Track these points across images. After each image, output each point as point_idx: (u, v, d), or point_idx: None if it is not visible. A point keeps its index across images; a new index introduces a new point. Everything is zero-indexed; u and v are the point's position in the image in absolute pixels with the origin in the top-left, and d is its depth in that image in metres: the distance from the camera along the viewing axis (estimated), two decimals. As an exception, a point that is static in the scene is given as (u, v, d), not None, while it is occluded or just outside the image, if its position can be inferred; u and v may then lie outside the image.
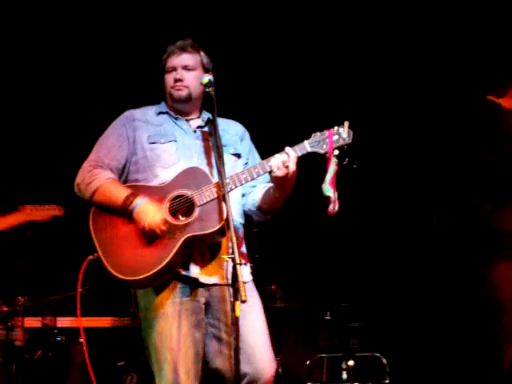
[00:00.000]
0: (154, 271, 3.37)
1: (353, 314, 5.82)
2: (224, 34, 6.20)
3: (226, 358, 3.48)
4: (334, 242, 6.53)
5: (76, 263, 6.34)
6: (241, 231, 3.67)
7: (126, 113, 3.76)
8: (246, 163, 3.79)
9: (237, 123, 3.90)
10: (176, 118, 3.75)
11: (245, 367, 3.38)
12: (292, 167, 3.41)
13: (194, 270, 3.47)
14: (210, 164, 3.60)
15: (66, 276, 6.22)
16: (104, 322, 5.46)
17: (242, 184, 3.49)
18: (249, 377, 3.46)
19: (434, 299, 6.30)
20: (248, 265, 3.67)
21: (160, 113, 3.77)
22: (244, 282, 3.15)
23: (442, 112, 5.73)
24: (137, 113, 3.76)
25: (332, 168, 3.39)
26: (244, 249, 3.68)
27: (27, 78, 6.38)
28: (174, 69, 3.71)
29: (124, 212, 3.47)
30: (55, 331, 5.57)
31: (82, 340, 5.45)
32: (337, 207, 3.38)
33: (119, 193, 3.51)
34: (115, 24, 6.26)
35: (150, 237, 3.42)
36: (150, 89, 4.26)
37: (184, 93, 3.70)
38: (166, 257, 3.38)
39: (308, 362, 5.65)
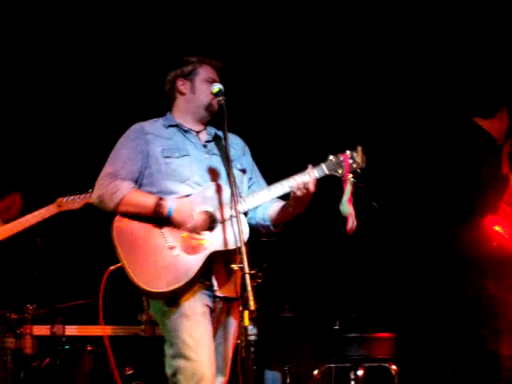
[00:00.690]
0: (180, 285, 3.40)
1: (362, 324, 5.80)
2: (234, 49, 6.22)
3: None
4: (343, 251, 6.52)
5: (84, 272, 6.40)
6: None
7: (136, 126, 3.75)
8: (251, 178, 3.82)
9: (237, 137, 3.91)
10: (186, 131, 3.74)
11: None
12: (312, 188, 3.51)
13: (214, 283, 3.53)
14: (220, 179, 3.63)
15: (75, 285, 6.25)
16: (116, 330, 5.45)
17: (263, 202, 3.58)
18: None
19: (443, 309, 6.29)
20: None
21: (170, 126, 3.76)
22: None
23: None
24: (147, 126, 3.74)
25: (348, 189, 3.53)
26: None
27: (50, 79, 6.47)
28: (215, 81, 3.74)
29: (154, 218, 3.49)
30: (63, 339, 5.58)
31: (90, 348, 5.52)
32: (356, 223, 3.53)
33: (148, 200, 3.52)
34: (122, 25, 6.30)
35: (180, 245, 3.47)
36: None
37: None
38: (192, 271, 3.42)
39: (316, 372, 5.63)
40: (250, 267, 3.17)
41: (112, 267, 4.18)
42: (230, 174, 3.44)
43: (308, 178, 3.51)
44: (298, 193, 3.50)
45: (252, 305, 3.07)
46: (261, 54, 6.42)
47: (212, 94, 3.64)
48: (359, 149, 3.59)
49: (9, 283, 5.70)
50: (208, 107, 3.73)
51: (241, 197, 3.58)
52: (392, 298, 6.38)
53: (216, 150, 3.74)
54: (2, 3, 6.01)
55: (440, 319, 6.11)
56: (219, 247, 3.45)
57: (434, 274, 5.42)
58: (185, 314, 3.45)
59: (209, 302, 3.52)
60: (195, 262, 3.43)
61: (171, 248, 3.47)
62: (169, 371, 3.49)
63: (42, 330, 5.52)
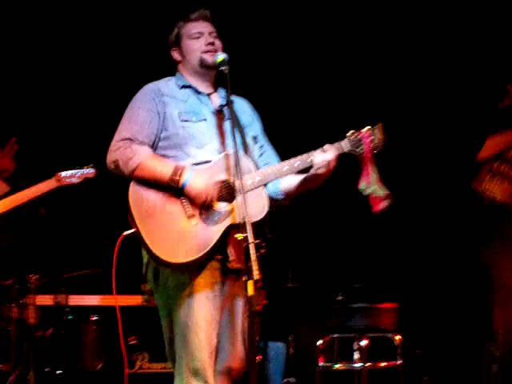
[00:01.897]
0: (197, 257, 3.31)
1: (365, 295, 5.80)
2: (250, 26, 6.16)
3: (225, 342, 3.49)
4: (346, 222, 6.51)
5: (88, 242, 6.40)
6: None
7: (151, 85, 3.61)
8: (261, 146, 3.70)
9: (247, 101, 3.79)
10: (199, 93, 3.62)
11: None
12: (333, 166, 3.42)
13: (229, 255, 3.40)
14: (237, 147, 3.45)
15: (78, 254, 6.26)
16: (124, 300, 5.45)
17: (283, 176, 3.48)
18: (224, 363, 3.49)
19: (446, 280, 6.30)
20: None
21: (183, 86, 3.62)
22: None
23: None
24: (162, 86, 3.60)
25: (373, 169, 3.43)
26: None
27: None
28: (202, 34, 3.59)
29: (171, 187, 3.38)
30: (67, 309, 5.59)
31: (93, 318, 5.52)
32: (388, 203, 3.44)
33: (165, 167, 3.41)
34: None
35: (199, 214, 3.37)
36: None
37: (217, 57, 3.55)
38: (209, 243, 3.32)
39: (320, 343, 5.63)
40: (255, 237, 3.08)
41: (126, 232, 4.13)
42: (245, 145, 3.40)
43: (330, 155, 3.40)
44: (320, 170, 3.40)
45: (256, 274, 2.99)
46: (275, 26, 6.35)
47: (206, 45, 3.55)
48: (380, 125, 3.46)
49: (11, 254, 5.70)
50: (201, 63, 3.58)
51: (257, 168, 3.48)
52: (396, 267, 6.38)
53: (228, 115, 3.57)
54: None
55: (444, 288, 6.16)
56: (238, 219, 3.27)
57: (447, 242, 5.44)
58: (189, 293, 3.38)
59: (218, 277, 3.42)
60: (214, 233, 3.34)
61: (190, 217, 3.37)
62: (166, 341, 3.48)
63: (45, 299, 5.54)
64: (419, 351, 6.22)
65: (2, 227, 5.32)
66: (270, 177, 3.44)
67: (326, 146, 3.44)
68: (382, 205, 3.43)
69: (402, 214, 6.37)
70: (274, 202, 3.63)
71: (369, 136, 3.44)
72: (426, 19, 6.28)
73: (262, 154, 3.68)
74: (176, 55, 3.67)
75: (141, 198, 3.42)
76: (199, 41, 3.58)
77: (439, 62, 6.37)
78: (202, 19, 3.64)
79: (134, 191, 3.43)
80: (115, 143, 3.50)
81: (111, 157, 3.49)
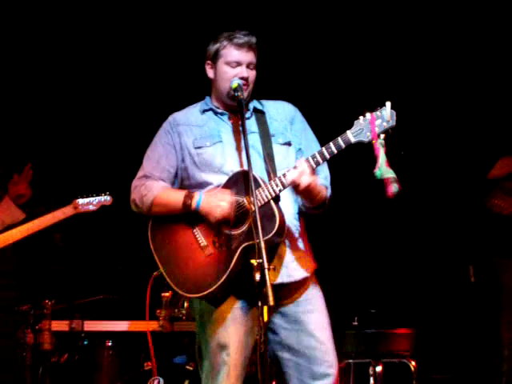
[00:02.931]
0: (217, 286, 3.32)
1: (381, 320, 5.77)
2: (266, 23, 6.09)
3: (287, 361, 3.46)
4: (362, 247, 6.50)
5: (102, 267, 6.41)
6: (296, 230, 3.53)
7: (169, 118, 3.64)
8: (299, 149, 3.59)
9: (286, 104, 3.70)
10: (221, 114, 3.60)
11: (320, 368, 3.41)
12: (305, 182, 3.28)
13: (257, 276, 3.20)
14: (258, 160, 3.47)
15: (93, 280, 6.26)
16: (134, 326, 5.46)
17: (272, 196, 3.34)
18: (325, 373, 3.44)
19: (461, 305, 6.27)
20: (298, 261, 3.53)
21: (204, 110, 3.62)
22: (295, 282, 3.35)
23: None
24: (179, 116, 3.62)
25: (382, 153, 3.21)
26: (302, 245, 3.56)
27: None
28: (239, 64, 3.51)
29: (187, 212, 3.39)
30: (82, 335, 5.59)
31: (108, 343, 5.52)
32: (399, 186, 3.21)
33: (177, 196, 3.42)
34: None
35: (213, 243, 3.37)
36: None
37: (246, 93, 3.52)
38: (226, 270, 3.31)
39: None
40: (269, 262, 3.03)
41: (155, 273, 4.21)
42: (269, 171, 3.36)
43: (296, 174, 3.27)
44: (296, 191, 3.33)
45: (271, 300, 2.94)
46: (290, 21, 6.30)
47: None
48: (388, 104, 3.22)
49: (27, 279, 5.72)
50: (229, 95, 3.53)
51: (276, 175, 3.38)
52: (411, 293, 6.35)
53: (255, 127, 3.54)
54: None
55: (457, 312, 6.14)
56: (252, 240, 3.20)
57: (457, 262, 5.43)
58: (216, 318, 3.39)
59: (245, 302, 3.41)
60: (229, 258, 3.32)
61: (203, 248, 3.39)
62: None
63: (60, 325, 5.54)
64: (436, 376, 6.18)
65: (19, 253, 5.34)
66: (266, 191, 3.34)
67: (297, 162, 3.33)
68: (391, 188, 3.20)
69: (416, 240, 6.37)
70: (304, 209, 3.57)
71: (375, 119, 3.24)
72: (446, 25, 6.24)
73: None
74: (209, 71, 3.62)
75: (160, 238, 3.47)
76: (235, 70, 3.51)
77: (462, 73, 6.30)
78: (246, 48, 3.52)
79: (153, 232, 3.49)
80: (133, 182, 3.56)
81: (131, 197, 3.56)
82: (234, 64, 3.51)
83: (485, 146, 5.25)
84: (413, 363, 5.49)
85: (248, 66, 3.52)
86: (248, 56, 3.52)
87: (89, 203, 5.21)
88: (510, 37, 5.94)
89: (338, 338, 5.68)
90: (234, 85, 3.46)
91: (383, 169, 3.20)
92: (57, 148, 6.52)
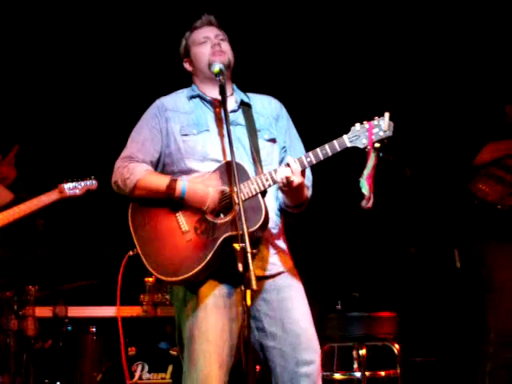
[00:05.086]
0: (193, 272, 3.29)
1: (364, 304, 5.80)
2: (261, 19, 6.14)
3: (271, 349, 3.43)
4: (344, 231, 6.52)
5: (87, 253, 6.40)
6: (276, 225, 3.55)
7: (157, 102, 3.62)
8: (283, 147, 3.61)
9: (272, 100, 3.70)
10: (209, 102, 3.59)
11: (305, 354, 3.39)
12: (297, 181, 3.28)
13: (239, 266, 3.14)
14: (244, 153, 3.48)
15: (77, 266, 6.25)
16: (123, 311, 5.45)
17: (261, 189, 3.33)
18: (310, 359, 3.41)
19: (443, 287, 6.31)
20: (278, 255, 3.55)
21: (192, 97, 3.61)
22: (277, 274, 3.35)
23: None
24: (167, 101, 3.61)
25: (371, 163, 3.24)
26: (281, 242, 3.59)
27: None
28: (207, 38, 3.58)
29: (169, 198, 3.38)
30: (66, 321, 5.58)
31: (92, 329, 5.52)
32: (370, 204, 3.25)
33: (161, 181, 3.40)
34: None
35: (194, 229, 3.35)
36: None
37: (225, 58, 3.53)
38: (205, 257, 3.28)
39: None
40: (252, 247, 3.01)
41: (130, 252, 4.15)
42: (256, 165, 3.36)
43: (289, 170, 3.27)
44: (284, 188, 3.31)
45: (254, 284, 2.93)
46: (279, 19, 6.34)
47: (212, 48, 3.53)
48: (386, 115, 3.25)
49: (10, 265, 5.70)
50: (210, 67, 3.52)
51: (262, 171, 3.39)
52: (394, 277, 6.38)
53: (242, 119, 3.55)
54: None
55: (442, 295, 6.17)
56: (234, 231, 3.24)
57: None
58: (196, 304, 3.37)
59: (229, 287, 3.39)
60: (210, 245, 3.30)
61: (184, 233, 3.37)
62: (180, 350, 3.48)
63: (44, 311, 5.52)
64: (419, 359, 6.22)
65: (2, 239, 5.32)
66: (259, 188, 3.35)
67: (290, 160, 3.32)
68: (363, 203, 3.25)
69: (400, 222, 6.39)
70: (285, 210, 3.60)
71: (373, 128, 3.27)
72: (439, 21, 6.26)
73: (283, 159, 3.59)
74: (187, 66, 3.67)
75: (140, 219, 3.45)
76: (206, 45, 3.57)
77: (451, 64, 6.34)
78: (206, 24, 3.64)
79: (134, 213, 3.47)
80: (116, 163, 3.54)
81: (113, 178, 3.54)
82: (202, 40, 3.59)
83: (470, 132, 5.26)
84: (396, 346, 5.52)
85: (216, 37, 3.59)
86: (212, 30, 3.62)
87: (74, 188, 5.19)
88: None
89: (322, 321, 5.76)
90: (216, 69, 3.45)
91: (363, 181, 3.24)
92: (41, 132, 6.49)
